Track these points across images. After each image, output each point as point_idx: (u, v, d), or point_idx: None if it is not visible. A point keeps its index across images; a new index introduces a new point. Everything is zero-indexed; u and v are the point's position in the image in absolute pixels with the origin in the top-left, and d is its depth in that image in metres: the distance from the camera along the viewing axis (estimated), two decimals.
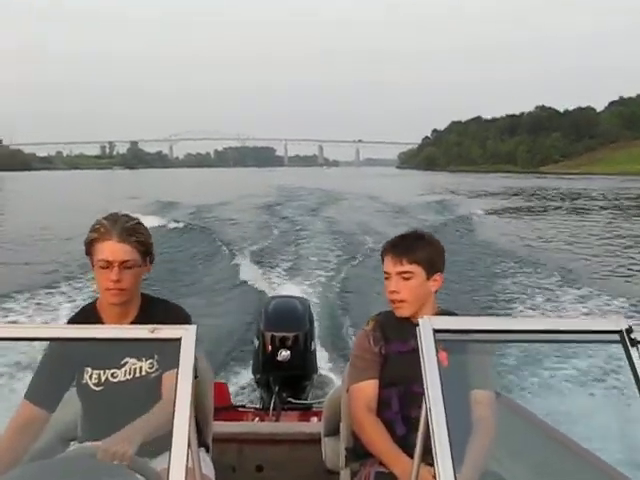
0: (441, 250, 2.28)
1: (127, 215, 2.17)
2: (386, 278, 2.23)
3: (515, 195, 41.36)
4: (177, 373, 1.28)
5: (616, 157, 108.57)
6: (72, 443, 2.08)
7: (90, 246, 2.08)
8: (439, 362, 1.28)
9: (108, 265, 2.03)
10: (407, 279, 2.18)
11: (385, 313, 2.31)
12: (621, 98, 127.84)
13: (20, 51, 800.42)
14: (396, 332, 2.20)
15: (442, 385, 1.26)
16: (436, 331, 1.32)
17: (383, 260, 2.26)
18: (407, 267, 2.18)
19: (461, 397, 1.99)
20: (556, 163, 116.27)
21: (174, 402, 1.24)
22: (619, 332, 1.37)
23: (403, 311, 2.20)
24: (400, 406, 2.15)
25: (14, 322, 7.38)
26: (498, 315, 8.16)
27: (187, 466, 1.18)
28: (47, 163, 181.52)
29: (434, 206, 27.06)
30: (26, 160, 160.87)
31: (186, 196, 31.18)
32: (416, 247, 2.21)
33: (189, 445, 1.22)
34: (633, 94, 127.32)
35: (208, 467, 2.19)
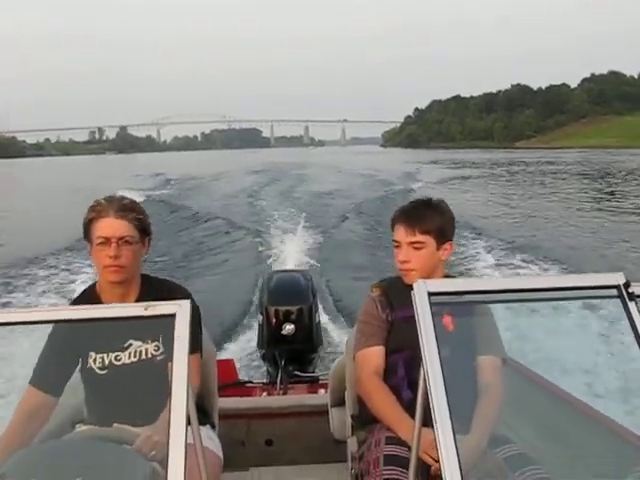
0: (451, 218, 2.25)
1: (123, 195, 2.18)
2: (396, 246, 2.20)
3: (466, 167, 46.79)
4: (172, 349, 1.25)
5: (586, 132, 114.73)
6: (78, 425, 2.06)
7: (88, 226, 2.07)
8: (437, 326, 1.27)
9: (106, 241, 2.02)
10: (418, 249, 2.16)
11: (390, 279, 2.32)
12: (592, 75, 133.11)
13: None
14: (401, 298, 2.11)
15: (439, 348, 1.23)
16: (431, 294, 1.29)
17: (393, 228, 2.23)
18: (419, 237, 2.15)
19: (466, 362, 2.00)
20: (529, 139, 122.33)
21: (170, 378, 1.21)
22: (617, 287, 1.36)
23: (412, 278, 2.11)
24: (406, 371, 2.13)
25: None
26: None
27: (186, 442, 1.16)
28: (39, 150, 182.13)
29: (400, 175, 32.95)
30: (20, 147, 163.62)
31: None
32: (428, 216, 2.18)
33: (189, 422, 1.20)
34: (604, 71, 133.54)
35: (214, 443, 2.21)
